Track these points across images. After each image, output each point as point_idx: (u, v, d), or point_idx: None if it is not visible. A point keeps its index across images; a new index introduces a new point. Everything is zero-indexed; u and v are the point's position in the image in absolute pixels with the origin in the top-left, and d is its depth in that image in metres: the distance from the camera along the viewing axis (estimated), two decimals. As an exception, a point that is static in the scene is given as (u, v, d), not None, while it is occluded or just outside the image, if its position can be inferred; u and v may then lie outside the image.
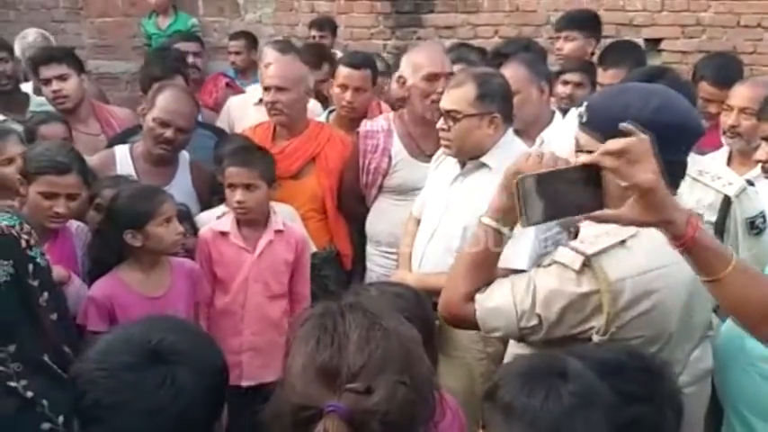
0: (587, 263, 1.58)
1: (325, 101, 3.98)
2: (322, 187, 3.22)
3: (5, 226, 1.66)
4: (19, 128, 3.08)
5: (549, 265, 1.66)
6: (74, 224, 2.63)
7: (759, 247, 2.33)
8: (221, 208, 2.96)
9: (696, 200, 2.23)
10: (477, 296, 1.70)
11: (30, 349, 1.63)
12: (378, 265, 3.16)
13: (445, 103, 2.53)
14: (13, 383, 1.58)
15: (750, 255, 2.28)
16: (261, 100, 3.38)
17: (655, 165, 1.35)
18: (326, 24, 5.28)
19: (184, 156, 3.09)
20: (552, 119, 3.14)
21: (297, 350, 1.11)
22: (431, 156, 2.85)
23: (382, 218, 3.16)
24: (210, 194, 3.10)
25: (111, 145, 3.23)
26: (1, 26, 6.32)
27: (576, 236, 1.75)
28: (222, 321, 2.78)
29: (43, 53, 3.66)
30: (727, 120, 2.94)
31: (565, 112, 3.23)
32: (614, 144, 1.35)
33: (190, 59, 4.69)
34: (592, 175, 1.37)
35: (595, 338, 1.60)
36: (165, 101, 2.94)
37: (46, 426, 1.60)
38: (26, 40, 4.58)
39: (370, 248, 3.24)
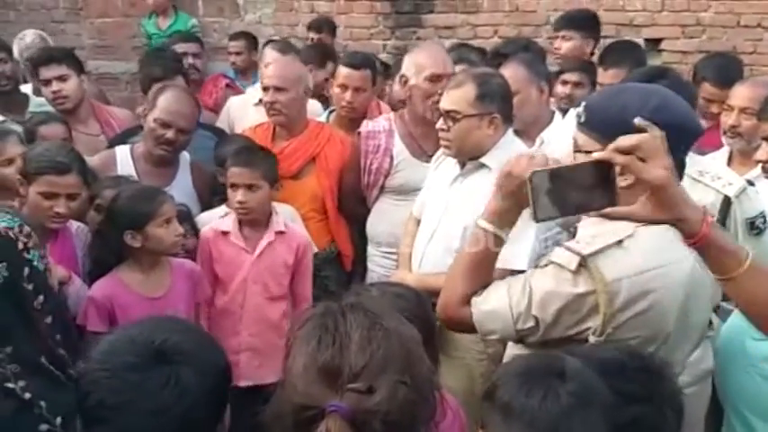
0: (583, 263, 1.57)
1: (326, 101, 3.98)
2: (322, 187, 3.22)
3: (3, 228, 1.66)
4: (18, 128, 3.08)
5: (546, 265, 1.65)
6: (74, 225, 2.63)
7: (759, 248, 2.33)
8: (223, 208, 2.96)
9: (696, 200, 2.19)
10: (474, 299, 1.70)
11: (26, 351, 1.62)
12: (379, 266, 3.16)
13: (445, 104, 2.53)
14: (10, 385, 1.57)
15: (751, 255, 2.28)
16: (261, 100, 3.38)
17: (667, 161, 1.34)
18: (324, 25, 5.26)
19: (185, 156, 3.10)
20: (552, 119, 3.14)
21: (298, 350, 1.11)
22: (432, 156, 2.85)
23: (383, 218, 3.16)
24: (211, 195, 3.11)
25: (111, 145, 3.24)
26: (1, 26, 6.32)
27: (575, 236, 1.75)
28: (221, 321, 2.79)
29: (43, 54, 3.66)
30: (727, 120, 2.94)
31: (564, 112, 3.23)
32: (626, 140, 1.34)
33: (189, 60, 4.71)
34: (604, 171, 1.36)
35: (592, 339, 1.59)
36: (167, 102, 2.95)
37: (44, 427, 1.59)
38: (24, 41, 4.58)
39: (371, 249, 3.24)
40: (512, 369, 1.26)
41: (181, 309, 2.53)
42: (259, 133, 3.27)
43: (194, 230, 2.85)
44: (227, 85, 4.79)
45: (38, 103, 3.83)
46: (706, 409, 2.26)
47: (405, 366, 1.09)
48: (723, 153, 3.01)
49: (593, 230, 1.64)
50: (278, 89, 3.14)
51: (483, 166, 2.50)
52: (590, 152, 1.54)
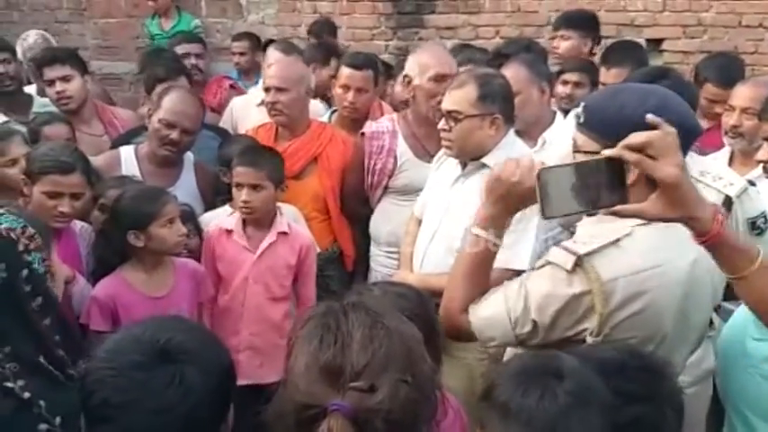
0: (579, 263, 1.56)
1: (330, 101, 3.98)
2: (324, 187, 3.23)
3: (4, 228, 1.67)
4: (22, 129, 3.10)
5: (543, 266, 1.65)
6: (77, 224, 2.65)
7: (761, 248, 2.33)
8: (227, 208, 2.97)
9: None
10: (471, 307, 1.69)
11: (25, 351, 1.62)
12: (382, 266, 3.16)
13: (446, 104, 2.53)
14: (9, 384, 1.57)
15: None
16: (263, 101, 3.38)
17: (679, 159, 1.33)
18: (324, 28, 5.19)
19: (189, 157, 3.10)
20: (554, 119, 3.14)
21: (300, 349, 1.11)
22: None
23: (387, 219, 3.16)
24: (215, 195, 3.12)
25: (114, 146, 3.24)
26: (4, 27, 6.33)
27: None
28: (223, 319, 2.79)
29: (47, 54, 3.66)
30: (728, 120, 2.94)
31: (566, 112, 3.23)
32: (637, 137, 1.33)
33: (192, 61, 4.71)
34: (615, 168, 1.35)
35: (589, 340, 1.58)
36: (172, 102, 2.95)
37: (43, 427, 1.59)
38: (27, 41, 4.58)
39: (374, 249, 3.24)
40: (509, 369, 1.26)
41: (183, 308, 2.54)
42: (261, 133, 3.27)
43: (197, 230, 2.86)
44: (231, 86, 4.80)
45: (42, 104, 3.84)
46: (707, 410, 2.26)
47: (406, 365, 1.09)
48: (724, 153, 3.01)
49: (591, 230, 1.63)
50: (279, 89, 3.15)
51: (484, 166, 2.50)
52: (589, 152, 1.54)
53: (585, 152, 1.56)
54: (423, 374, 1.12)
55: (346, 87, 3.46)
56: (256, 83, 4.39)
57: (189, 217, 2.78)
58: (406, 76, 3.09)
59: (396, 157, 3.11)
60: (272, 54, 3.57)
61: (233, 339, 2.73)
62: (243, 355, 2.76)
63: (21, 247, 1.67)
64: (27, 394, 1.59)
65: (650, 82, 2.08)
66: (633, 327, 1.58)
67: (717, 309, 1.95)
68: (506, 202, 1.65)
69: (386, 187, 3.17)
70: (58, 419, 1.59)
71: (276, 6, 5.99)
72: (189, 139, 3.00)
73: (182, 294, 2.57)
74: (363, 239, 3.33)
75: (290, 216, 2.95)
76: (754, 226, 2.34)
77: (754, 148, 2.67)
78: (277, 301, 2.83)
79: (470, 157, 2.54)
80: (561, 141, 2.61)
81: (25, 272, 1.66)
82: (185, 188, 3.00)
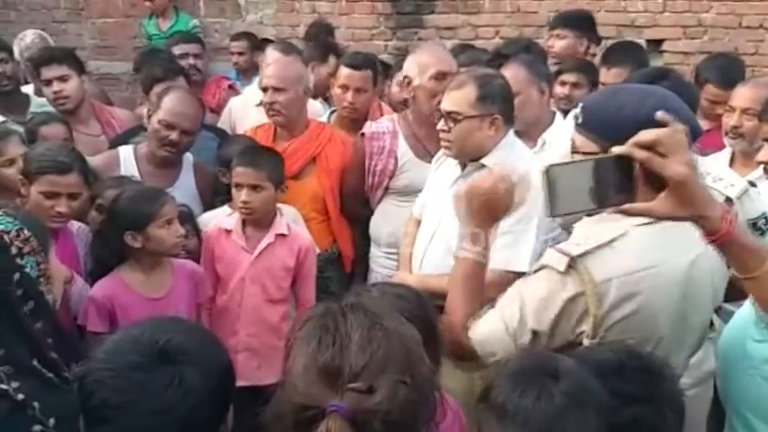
0: (572, 264, 1.55)
1: (329, 100, 3.97)
2: (323, 188, 3.22)
3: None
4: (20, 129, 3.09)
5: (538, 270, 1.64)
6: (75, 224, 2.64)
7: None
8: (226, 209, 2.96)
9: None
10: (470, 324, 1.68)
11: (18, 354, 1.62)
12: (382, 267, 3.15)
13: (446, 105, 2.52)
14: (3, 386, 1.57)
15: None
16: (262, 101, 3.38)
17: (688, 157, 1.31)
18: (322, 31, 5.13)
19: (188, 157, 3.10)
20: (553, 120, 3.14)
21: (298, 350, 1.11)
22: (436, 157, 2.85)
23: (387, 219, 3.16)
24: (213, 196, 3.11)
25: (112, 146, 3.24)
26: (2, 27, 6.32)
27: (574, 236, 1.74)
28: (221, 320, 2.79)
29: (44, 54, 3.66)
30: (729, 121, 2.94)
31: (565, 112, 3.23)
32: (646, 135, 1.32)
33: (191, 61, 4.72)
34: (623, 167, 1.34)
35: (586, 342, 1.57)
36: (171, 103, 2.95)
37: (37, 428, 1.58)
38: (24, 41, 4.58)
39: (374, 250, 3.24)
40: (506, 370, 1.26)
41: (182, 309, 2.53)
42: (260, 134, 3.27)
43: (196, 231, 2.86)
44: (230, 87, 4.79)
45: (39, 104, 3.84)
46: (708, 411, 2.25)
47: (405, 366, 1.09)
48: (725, 154, 3.01)
49: (587, 231, 1.62)
50: (277, 89, 3.14)
51: (484, 167, 2.49)
52: (588, 153, 1.54)
53: (584, 153, 1.56)
54: (422, 375, 1.12)
55: (345, 87, 3.46)
56: (252, 83, 4.38)
57: (187, 218, 2.77)
58: (405, 77, 3.08)
59: (396, 158, 3.11)
60: (271, 54, 3.56)
61: (231, 340, 2.72)
62: (240, 356, 2.75)
63: (14, 251, 1.67)
64: (21, 396, 1.58)
65: (650, 83, 2.07)
66: (628, 328, 1.57)
67: (717, 310, 1.94)
68: (482, 214, 1.65)
69: (386, 188, 3.16)
70: (51, 421, 1.58)
71: (275, 6, 5.99)
72: (188, 140, 2.99)
73: (180, 295, 2.56)
74: (363, 240, 3.32)
75: (289, 217, 2.94)
76: (755, 227, 2.33)
77: (755, 149, 2.66)
78: (275, 303, 2.82)
79: (470, 157, 2.54)
80: (561, 142, 2.61)
81: (17, 275, 1.65)
82: (184, 189, 2.99)
